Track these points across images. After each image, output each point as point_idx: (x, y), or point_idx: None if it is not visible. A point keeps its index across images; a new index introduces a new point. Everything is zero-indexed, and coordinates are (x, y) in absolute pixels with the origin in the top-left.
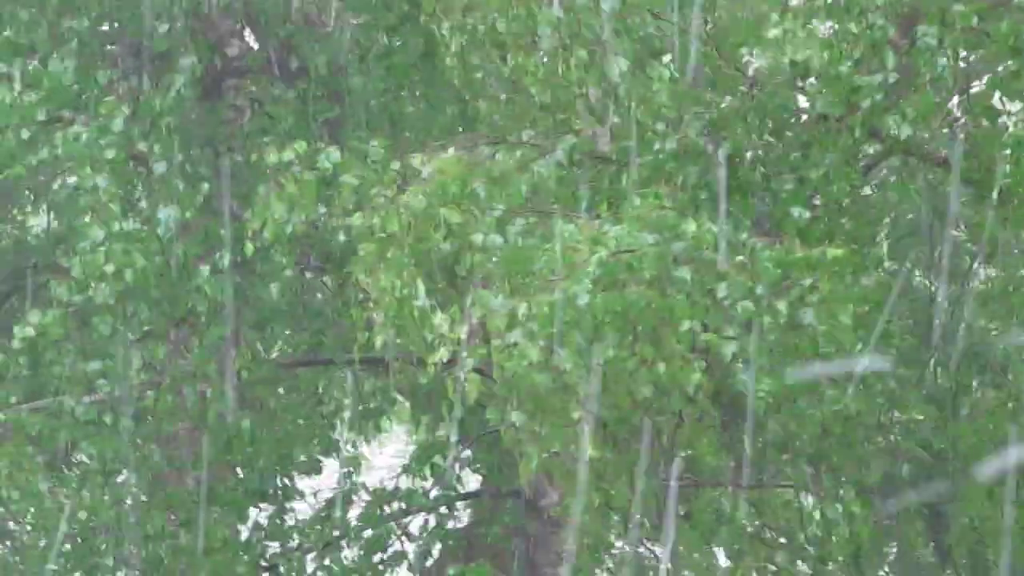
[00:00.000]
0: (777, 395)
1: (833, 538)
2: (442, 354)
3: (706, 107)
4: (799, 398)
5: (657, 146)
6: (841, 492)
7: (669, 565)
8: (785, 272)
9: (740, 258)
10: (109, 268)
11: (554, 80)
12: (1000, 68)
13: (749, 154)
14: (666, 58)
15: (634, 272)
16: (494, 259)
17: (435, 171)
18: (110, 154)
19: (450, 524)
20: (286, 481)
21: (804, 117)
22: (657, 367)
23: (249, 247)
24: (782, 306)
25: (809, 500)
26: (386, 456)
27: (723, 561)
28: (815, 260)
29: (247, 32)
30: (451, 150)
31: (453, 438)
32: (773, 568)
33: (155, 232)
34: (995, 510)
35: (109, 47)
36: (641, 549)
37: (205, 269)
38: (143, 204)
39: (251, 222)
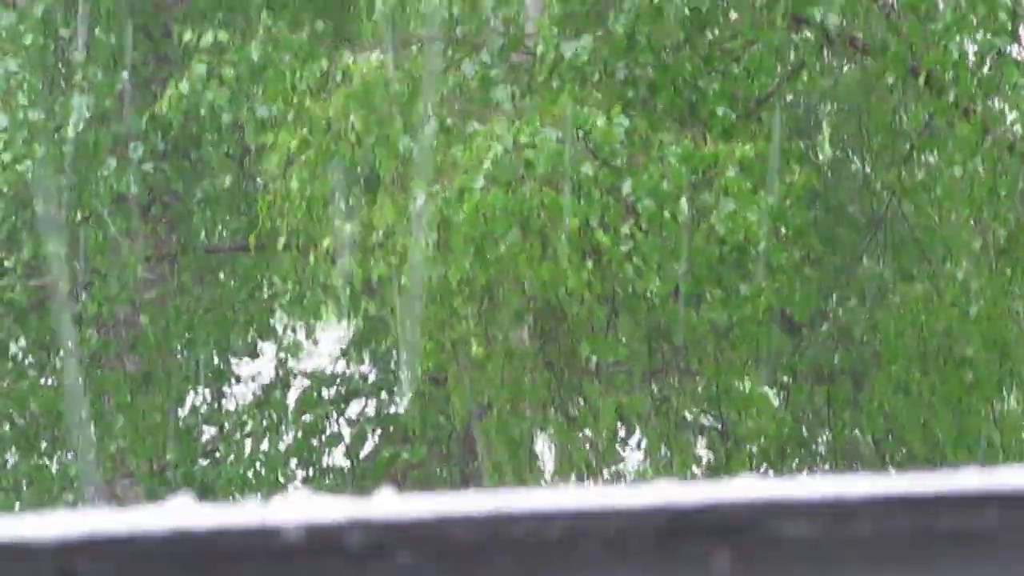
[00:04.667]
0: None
1: (748, 423)
2: (328, 243)
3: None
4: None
5: (578, 42)
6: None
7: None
8: (696, 169)
9: (656, 154)
10: (6, 157)
11: None
12: None
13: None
14: None
15: (532, 168)
16: (411, 160)
17: (359, 74)
18: (28, 39)
19: (391, 409)
20: (223, 365)
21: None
22: (541, 267)
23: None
24: (683, 204)
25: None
26: (327, 342)
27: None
28: (723, 156)
29: None
30: (375, 53)
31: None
32: (698, 455)
33: (65, 121)
34: (909, 400)
35: None
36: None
37: (112, 161)
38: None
39: (170, 108)
